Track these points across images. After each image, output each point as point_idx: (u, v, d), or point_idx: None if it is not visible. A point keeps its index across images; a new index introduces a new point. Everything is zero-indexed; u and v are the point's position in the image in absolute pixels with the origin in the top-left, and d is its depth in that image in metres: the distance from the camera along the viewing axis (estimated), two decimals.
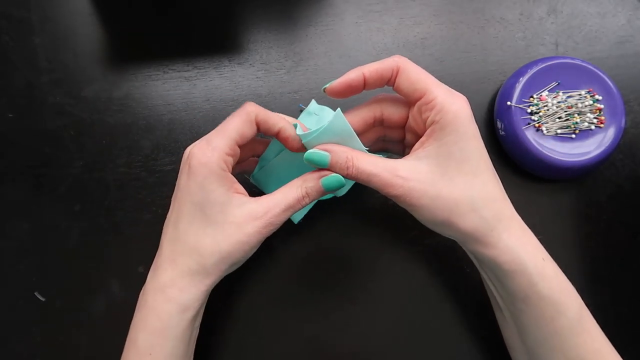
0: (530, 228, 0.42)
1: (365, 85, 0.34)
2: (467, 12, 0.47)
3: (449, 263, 0.43)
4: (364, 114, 0.36)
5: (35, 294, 0.42)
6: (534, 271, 0.32)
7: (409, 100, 0.35)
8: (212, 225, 0.33)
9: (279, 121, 0.35)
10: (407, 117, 0.36)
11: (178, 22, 0.46)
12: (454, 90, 0.33)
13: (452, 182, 0.32)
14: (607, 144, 0.42)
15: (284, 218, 0.34)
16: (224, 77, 0.46)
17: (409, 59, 0.45)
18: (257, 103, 0.44)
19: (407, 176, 0.32)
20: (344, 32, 0.47)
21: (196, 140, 0.35)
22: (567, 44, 0.47)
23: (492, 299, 0.38)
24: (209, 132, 0.37)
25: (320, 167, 0.34)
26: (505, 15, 0.47)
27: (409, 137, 0.38)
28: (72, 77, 0.45)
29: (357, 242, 0.43)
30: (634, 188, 0.45)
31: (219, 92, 0.45)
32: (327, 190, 0.34)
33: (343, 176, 0.33)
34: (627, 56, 0.47)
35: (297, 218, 0.42)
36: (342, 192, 0.42)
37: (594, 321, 0.34)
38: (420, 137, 0.34)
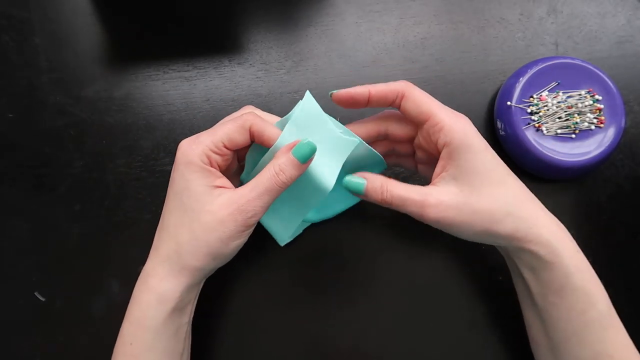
0: None
1: (368, 102, 0.35)
2: (467, 12, 0.47)
3: (449, 263, 0.43)
4: (368, 127, 0.38)
5: (35, 294, 0.42)
6: (569, 263, 0.34)
7: (414, 123, 0.36)
8: (189, 214, 0.33)
9: (275, 135, 0.34)
10: (413, 135, 0.38)
11: (178, 22, 0.46)
12: (455, 111, 0.35)
13: (482, 195, 0.33)
14: (607, 144, 0.42)
15: (260, 203, 0.32)
16: (224, 77, 0.46)
17: (409, 59, 0.45)
18: (257, 103, 0.45)
19: (440, 199, 0.33)
20: (344, 32, 0.47)
21: None
22: (567, 44, 0.47)
23: (521, 294, 0.38)
24: None
25: (355, 193, 0.35)
26: (505, 15, 0.47)
27: (419, 154, 0.39)
28: (72, 77, 0.45)
29: (356, 242, 0.43)
30: (634, 188, 0.45)
31: (219, 92, 0.45)
32: (300, 160, 0.32)
33: (378, 202, 0.34)
34: (627, 56, 0.47)
35: (283, 239, 0.41)
36: (335, 212, 0.42)
37: (619, 318, 0.35)
38: (432, 155, 0.36)
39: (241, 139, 0.34)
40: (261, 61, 0.46)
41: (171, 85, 0.45)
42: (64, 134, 0.44)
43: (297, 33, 0.47)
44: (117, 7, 0.46)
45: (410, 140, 0.38)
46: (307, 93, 0.34)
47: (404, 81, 0.35)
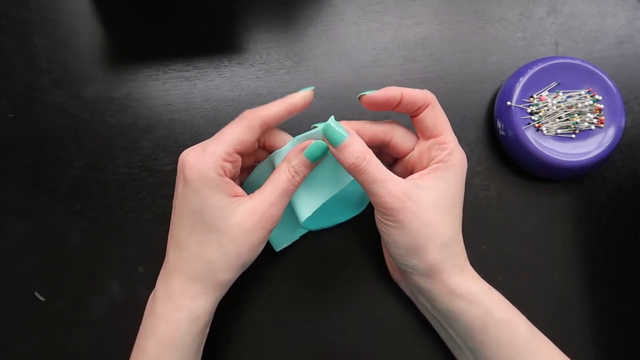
0: (530, 228, 0.42)
1: (398, 105, 0.35)
2: (467, 12, 0.47)
3: None
4: (375, 131, 0.36)
5: (35, 294, 0.42)
6: (486, 299, 0.34)
7: (424, 135, 0.36)
8: (214, 231, 0.32)
9: (277, 114, 0.34)
10: (410, 150, 0.37)
11: (178, 22, 0.46)
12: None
13: (441, 216, 0.34)
14: (607, 144, 0.42)
15: (281, 206, 0.33)
16: (224, 77, 0.46)
17: (409, 59, 0.45)
18: (257, 103, 0.45)
19: (411, 195, 0.33)
20: (344, 32, 0.47)
21: (196, 140, 0.34)
22: (567, 44, 0.47)
23: (448, 341, 0.39)
24: (209, 132, 0.37)
25: (331, 143, 0.32)
26: (505, 15, 0.47)
27: (399, 168, 0.39)
28: (72, 77, 0.45)
29: (357, 242, 0.43)
30: (634, 188, 0.45)
31: (219, 92, 0.45)
32: (312, 160, 0.33)
33: (347, 164, 0.32)
34: (627, 56, 0.47)
35: (279, 245, 0.41)
36: (333, 223, 0.42)
37: (544, 336, 0.35)
38: (413, 170, 0.36)
39: (251, 138, 0.34)
40: (261, 61, 0.46)
41: (171, 85, 0.45)
42: (64, 134, 0.44)
43: (297, 33, 0.47)
44: (117, 8, 0.46)
45: (403, 157, 0.38)
46: (332, 118, 0.33)
47: (428, 91, 0.35)
